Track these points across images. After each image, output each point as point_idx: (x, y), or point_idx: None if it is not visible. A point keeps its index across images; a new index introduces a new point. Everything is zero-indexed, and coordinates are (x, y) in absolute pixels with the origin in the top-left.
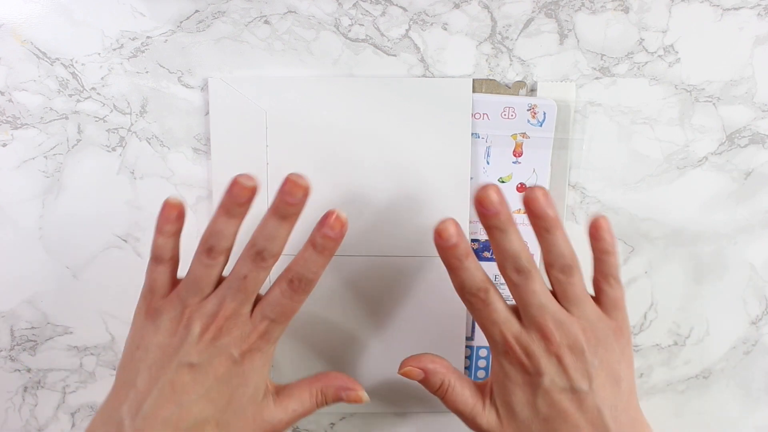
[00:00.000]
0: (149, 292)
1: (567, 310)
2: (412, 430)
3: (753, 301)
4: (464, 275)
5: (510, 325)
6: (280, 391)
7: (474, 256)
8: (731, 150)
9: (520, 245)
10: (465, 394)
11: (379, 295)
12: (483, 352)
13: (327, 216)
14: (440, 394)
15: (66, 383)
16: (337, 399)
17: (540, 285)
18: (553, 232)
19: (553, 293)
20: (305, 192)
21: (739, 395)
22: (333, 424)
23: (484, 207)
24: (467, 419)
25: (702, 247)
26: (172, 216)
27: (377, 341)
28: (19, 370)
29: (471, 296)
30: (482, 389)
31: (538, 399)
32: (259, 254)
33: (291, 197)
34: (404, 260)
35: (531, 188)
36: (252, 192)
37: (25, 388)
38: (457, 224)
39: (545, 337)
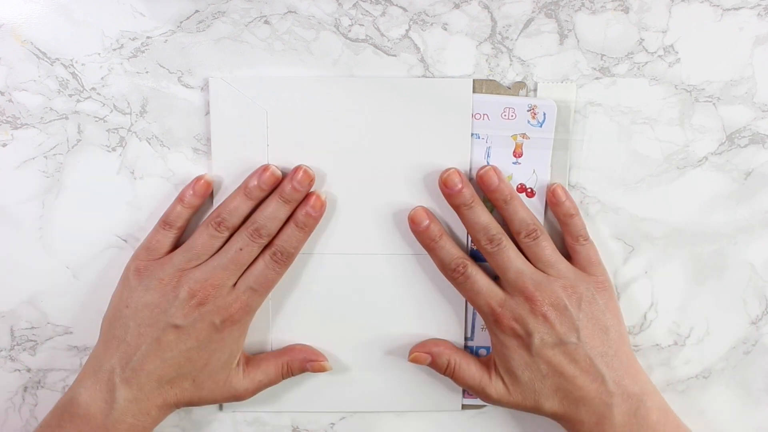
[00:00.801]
0: (145, 250)
1: (543, 272)
2: (412, 430)
3: (753, 301)
4: (441, 254)
5: (494, 294)
6: (249, 362)
7: (448, 236)
8: (731, 150)
9: (488, 218)
10: (471, 369)
11: (378, 294)
12: (482, 353)
13: (308, 196)
14: (449, 373)
15: (66, 383)
16: (303, 370)
17: (514, 252)
18: (510, 202)
19: (528, 260)
20: (311, 183)
21: (739, 395)
22: (333, 424)
23: (448, 187)
24: (477, 392)
25: (702, 247)
26: (200, 190)
27: (376, 341)
28: (19, 370)
29: (452, 272)
30: (487, 363)
31: (534, 359)
32: (257, 231)
33: (299, 184)
34: (403, 260)
35: (482, 168)
36: (277, 181)
37: (25, 388)
38: (427, 210)
39: (528, 299)
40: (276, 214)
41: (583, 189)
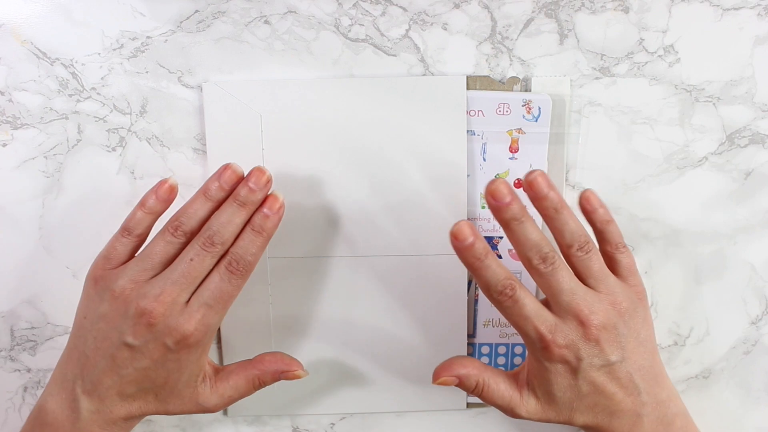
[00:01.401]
0: (104, 258)
1: (593, 288)
2: (412, 430)
3: (753, 301)
4: (487, 274)
5: (543, 319)
6: (218, 374)
7: (494, 254)
8: (731, 150)
9: (539, 234)
10: (500, 388)
11: (379, 294)
12: (485, 350)
13: (265, 198)
14: (477, 393)
15: None
16: (276, 380)
17: (567, 270)
18: (561, 212)
19: (576, 275)
20: (269, 183)
21: (739, 395)
22: (333, 424)
23: (496, 199)
24: (506, 410)
25: (702, 247)
26: (164, 195)
27: (377, 341)
28: (19, 370)
29: (498, 294)
30: (516, 379)
31: (579, 381)
32: (210, 239)
33: (255, 185)
34: (403, 259)
35: (530, 172)
36: (239, 180)
37: (25, 388)
38: (471, 225)
39: (582, 323)
40: (231, 219)
41: (583, 189)
